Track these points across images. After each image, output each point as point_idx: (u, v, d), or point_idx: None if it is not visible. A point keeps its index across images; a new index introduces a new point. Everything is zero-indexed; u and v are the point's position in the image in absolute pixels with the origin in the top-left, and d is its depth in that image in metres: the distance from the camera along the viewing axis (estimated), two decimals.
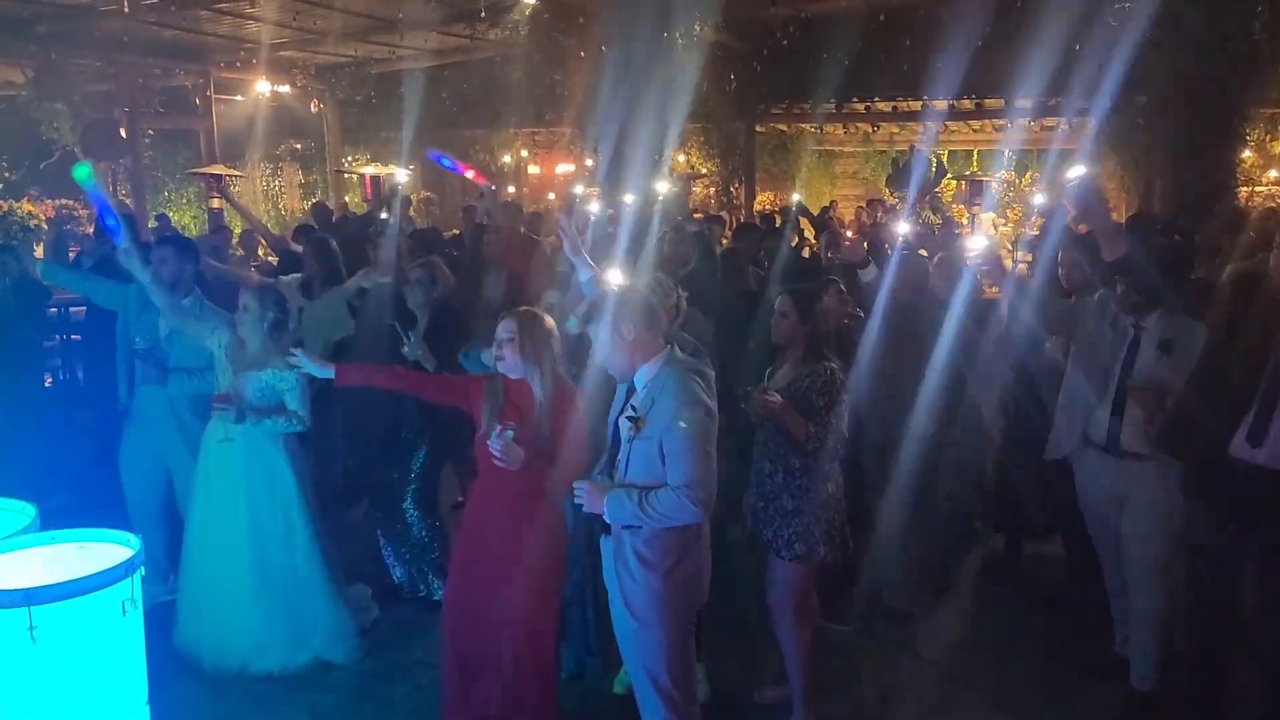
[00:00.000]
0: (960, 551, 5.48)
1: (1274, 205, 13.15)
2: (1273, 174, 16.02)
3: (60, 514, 2.83)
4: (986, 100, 14.69)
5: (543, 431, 3.32)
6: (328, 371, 3.72)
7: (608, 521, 3.05)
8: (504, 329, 3.42)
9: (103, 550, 2.55)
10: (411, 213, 11.46)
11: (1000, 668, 4.33)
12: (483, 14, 12.04)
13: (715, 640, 4.26)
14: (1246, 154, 12.67)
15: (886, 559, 4.75)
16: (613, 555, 3.13)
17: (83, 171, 4.05)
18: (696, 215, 10.50)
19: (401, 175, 8.95)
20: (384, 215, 8.25)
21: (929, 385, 4.57)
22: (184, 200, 17.07)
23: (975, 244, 4.03)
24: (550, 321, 3.48)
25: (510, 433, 3.18)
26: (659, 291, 3.79)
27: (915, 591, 4.85)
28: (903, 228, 5.37)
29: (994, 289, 4.90)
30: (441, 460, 5.08)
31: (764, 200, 18.81)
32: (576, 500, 3.08)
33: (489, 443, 3.21)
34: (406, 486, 4.92)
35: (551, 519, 3.46)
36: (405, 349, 4.57)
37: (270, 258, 8.94)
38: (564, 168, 18.11)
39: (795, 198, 11.04)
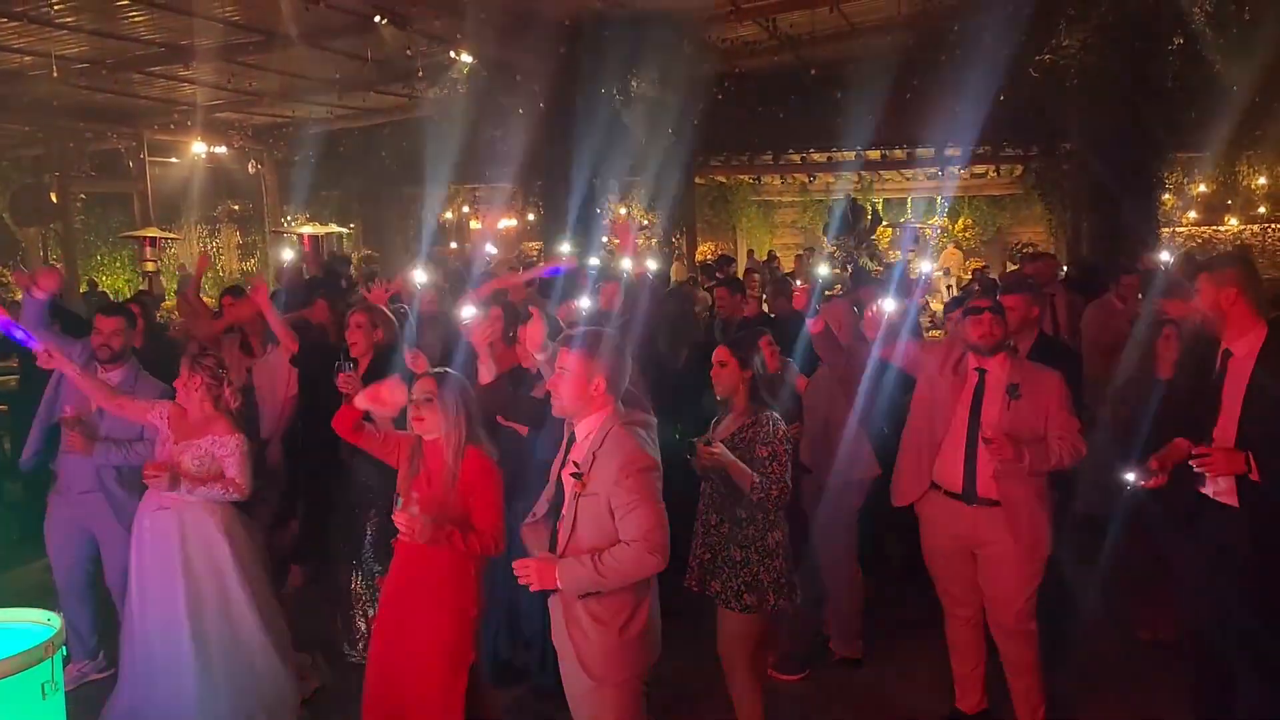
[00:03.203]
0: (905, 596, 5.50)
1: (1192, 247, 13.66)
2: (1192, 215, 16.67)
3: None
4: (918, 150, 15.13)
5: (450, 500, 3.21)
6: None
7: (564, 593, 2.97)
8: (420, 390, 3.29)
9: (20, 630, 2.45)
10: (351, 270, 11.39)
11: (950, 711, 4.31)
12: (420, 73, 12.10)
13: (665, 696, 4.19)
14: (1166, 196, 13.15)
15: (834, 605, 4.76)
16: (563, 615, 3.05)
17: None
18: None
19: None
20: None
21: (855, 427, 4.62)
22: (117, 264, 16.78)
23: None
24: (466, 383, 3.40)
25: (415, 507, 3.09)
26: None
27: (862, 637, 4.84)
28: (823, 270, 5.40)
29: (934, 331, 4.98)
30: (388, 532, 4.96)
31: (705, 250, 19.06)
32: (522, 583, 2.97)
33: (394, 516, 3.12)
34: (354, 558, 4.80)
35: (463, 596, 3.35)
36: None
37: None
38: (506, 222, 18.17)
39: (770, 251, 11.13)
